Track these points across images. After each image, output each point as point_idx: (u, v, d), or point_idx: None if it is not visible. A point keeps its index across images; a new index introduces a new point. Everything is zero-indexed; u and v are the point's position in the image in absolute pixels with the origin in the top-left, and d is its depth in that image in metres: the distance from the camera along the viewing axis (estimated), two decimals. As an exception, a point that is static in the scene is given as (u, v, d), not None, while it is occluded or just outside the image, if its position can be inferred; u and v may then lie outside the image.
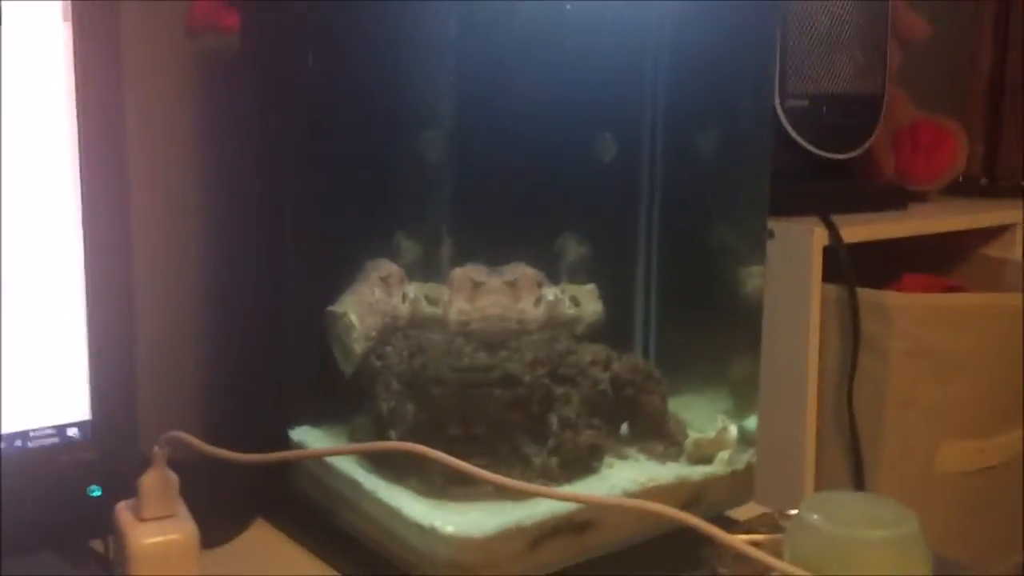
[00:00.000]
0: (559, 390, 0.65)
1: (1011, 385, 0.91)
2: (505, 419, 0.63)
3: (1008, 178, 1.24)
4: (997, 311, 0.88)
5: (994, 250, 1.04)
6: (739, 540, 0.47)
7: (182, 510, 0.49)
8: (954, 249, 1.05)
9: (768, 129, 0.74)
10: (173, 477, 0.49)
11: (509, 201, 0.67)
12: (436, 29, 0.58)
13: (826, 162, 0.98)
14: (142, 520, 0.48)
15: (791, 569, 0.40)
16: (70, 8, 0.53)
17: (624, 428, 0.70)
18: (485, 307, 0.62)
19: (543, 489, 0.55)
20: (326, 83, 0.67)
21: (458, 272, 0.62)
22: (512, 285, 0.68)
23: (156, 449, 0.48)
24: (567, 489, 0.62)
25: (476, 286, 0.62)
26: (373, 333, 0.66)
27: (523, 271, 0.68)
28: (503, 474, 0.61)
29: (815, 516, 0.40)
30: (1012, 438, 0.92)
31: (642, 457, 0.68)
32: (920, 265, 1.00)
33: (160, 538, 0.48)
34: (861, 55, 0.99)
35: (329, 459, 0.67)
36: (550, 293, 0.69)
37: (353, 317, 0.66)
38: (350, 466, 0.65)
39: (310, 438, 0.70)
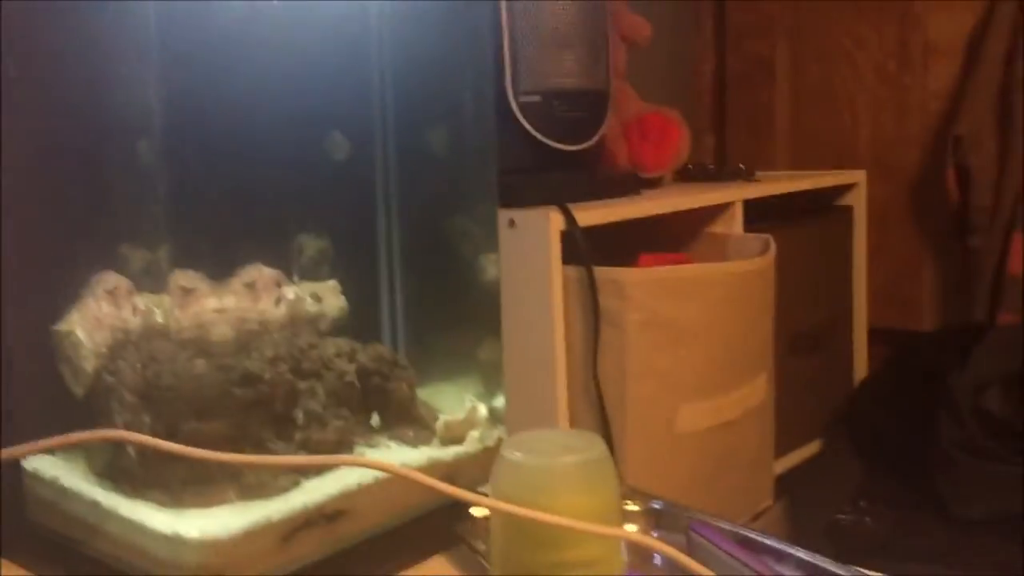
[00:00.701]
0: (303, 384, 0.65)
1: (739, 346, 0.99)
2: (247, 419, 0.62)
3: (732, 163, 1.36)
4: (720, 279, 0.96)
5: (719, 226, 1.14)
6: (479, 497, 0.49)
7: None
8: (684, 229, 1.14)
9: (491, 122, 0.77)
10: None
11: (241, 203, 0.67)
12: (140, 30, 0.57)
13: (564, 154, 1.04)
14: None
15: (497, 504, 0.42)
16: None
17: (375, 418, 0.72)
18: (200, 313, 0.62)
19: (279, 459, 0.55)
20: (32, 95, 0.64)
21: (170, 280, 0.61)
22: (251, 287, 0.68)
23: None
24: (317, 482, 0.63)
25: (187, 293, 0.61)
26: (103, 349, 0.64)
27: (260, 272, 0.68)
28: (249, 473, 0.61)
29: (515, 453, 0.43)
30: (744, 393, 1.01)
31: (393, 444, 0.70)
32: (655, 246, 1.08)
33: None
34: (586, 53, 1.05)
35: (66, 485, 0.64)
36: (290, 292, 0.69)
37: (81, 334, 0.64)
38: (88, 488, 0.63)
39: (44, 465, 0.66)
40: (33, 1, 0.63)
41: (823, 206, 1.39)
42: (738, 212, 1.13)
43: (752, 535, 0.58)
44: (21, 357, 0.66)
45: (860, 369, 1.41)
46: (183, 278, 0.61)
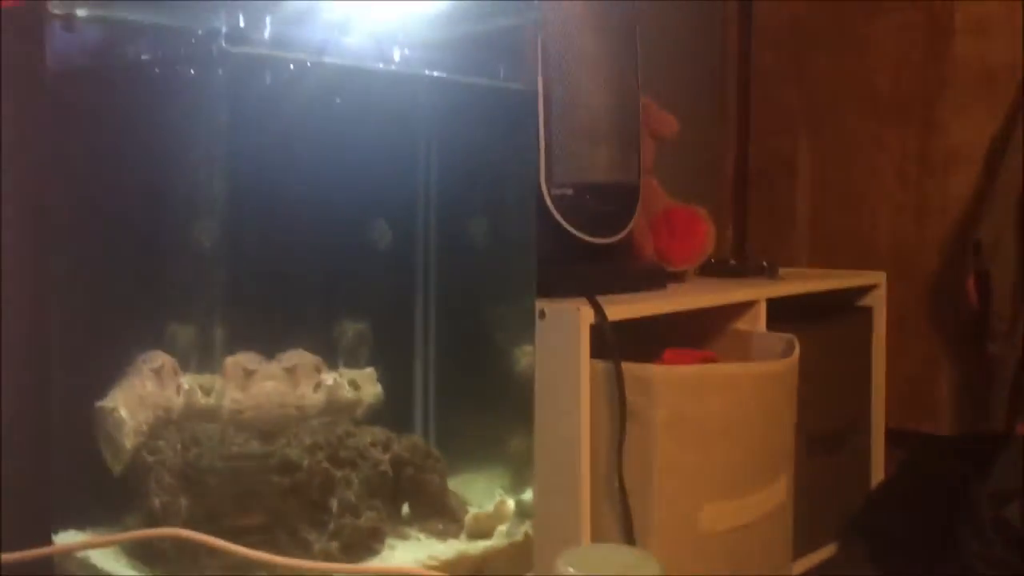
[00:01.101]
0: (339, 473, 0.66)
1: (761, 446, 0.99)
2: (284, 506, 0.63)
3: (754, 258, 1.37)
4: (744, 379, 0.96)
5: (743, 323, 1.14)
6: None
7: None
8: (709, 324, 1.14)
9: (531, 216, 0.79)
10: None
11: (285, 287, 0.68)
12: (204, 118, 0.59)
13: (593, 247, 1.05)
14: None
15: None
16: None
17: (405, 508, 0.72)
18: (258, 395, 0.62)
19: (318, 565, 0.55)
20: (93, 175, 0.66)
21: (229, 361, 0.62)
22: (291, 371, 0.68)
23: None
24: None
25: (248, 374, 0.62)
26: (144, 427, 0.65)
27: (301, 357, 0.69)
28: (283, 569, 0.61)
29: (569, 569, 0.43)
30: (765, 496, 1.00)
31: (423, 536, 0.70)
32: (680, 340, 1.08)
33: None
34: (618, 148, 1.07)
35: (98, 565, 0.64)
36: (329, 378, 0.70)
37: (123, 411, 0.65)
38: (121, 570, 0.63)
39: (76, 542, 0.66)
40: (90, 79, 0.65)
41: (843, 306, 1.40)
42: (762, 310, 1.14)
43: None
44: (63, 432, 0.67)
45: (877, 471, 1.40)
46: (245, 359, 0.62)
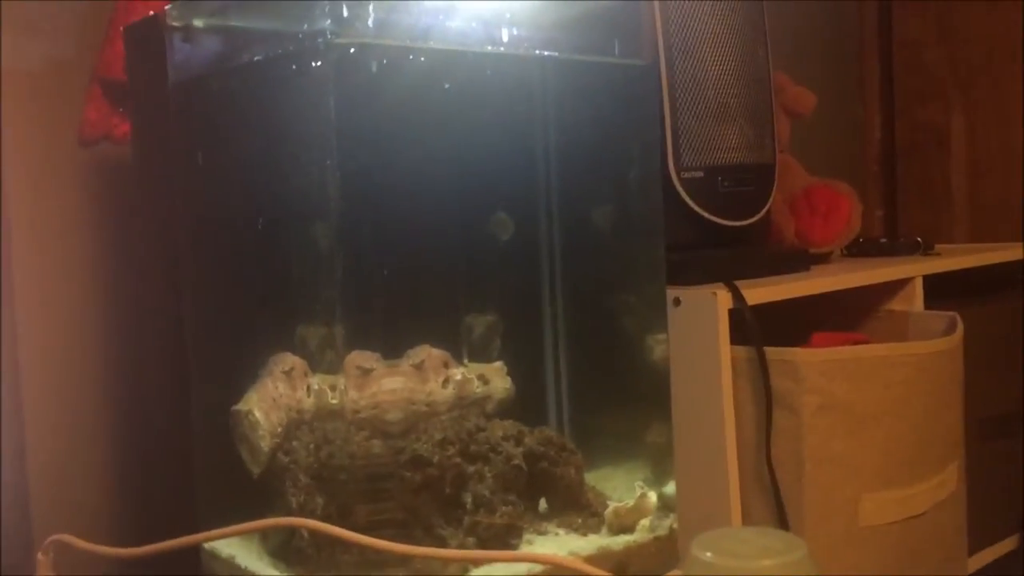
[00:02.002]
0: (471, 468, 0.64)
1: (926, 432, 0.92)
2: (416, 502, 0.62)
3: (906, 236, 1.29)
4: (901, 360, 0.90)
5: (898, 304, 1.07)
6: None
7: (72, 621, 0.47)
8: (859, 306, 1.08)
9: (658, 198, 0.76)
10: (60, 586, 0.47)
11: (409, 284, 0.68)
12: (318, 115, 0.59)
13: (728, 230, 1.00)
14: (27, 635, 0.45)
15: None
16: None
17: (542, 503, 0.70)
18: (377, 393, 0.62)
19: (454, 552, 0.54)
20: (216, 181, 0.67)
21: (347, 360, 0.61)
22: (419, 367, 0.68)
23: (40, 556, 0.46)
24: (486, 570, 0.61)
25: (365, 372, 0.61)
26: (279, 429, 0.66)
27: (429, 352, 0.68)
28: (419, 559, 0.60)
29: (707, 553, 0.40)
30: (934, 484, 0.93)
31: (561, 531, 0.68)
32: (829, 324, 1.02)
33: (46, 652, 0.45)
34: (750, 127, 1.02)
35: (242, 564, 0.65)
36: (457, 373, 0.69)
37: (258, 414, 0.65)
38: (263, 569, 0.63)
39: (221, 544, 0.68)
40: (208, 87, 0.66)
41: (1009, 281, 1.29)
42: (918, 288, 1.07)
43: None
44: (202, 436, 0.68)
45: (1060, 456, 1.29)
46: (360, 358, 0.62)
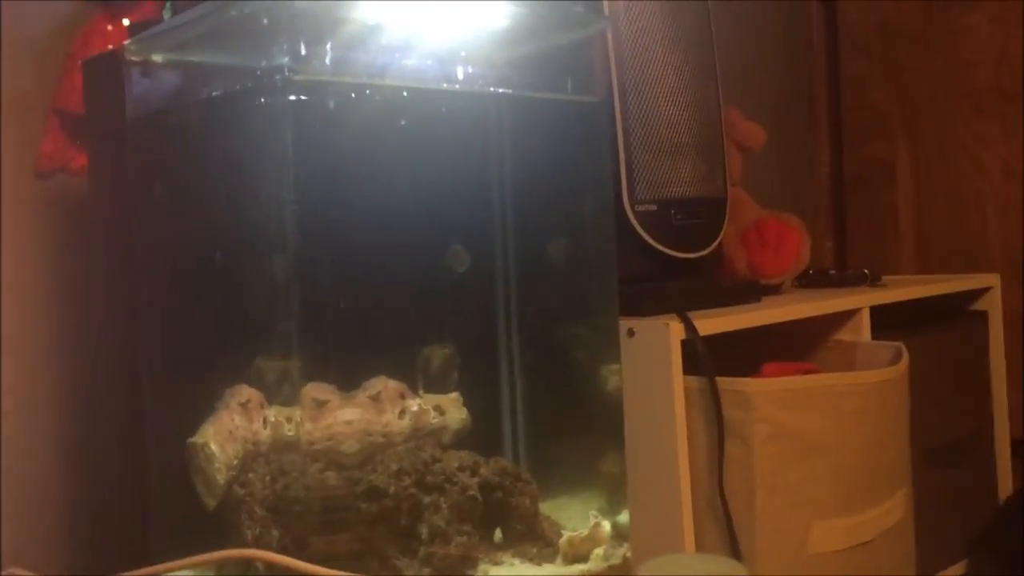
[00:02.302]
0: (427, 499, 0.65)
1: (874, 460, 0.94)
2: (372, 533, 0.62)
3: (855, 268, 1.32)
4: (849, 389, 0.92)
5: (846, 334, 1.10)
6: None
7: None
8: (809, 337, 1.10)
9: (611, 231, 0.78)
10: (11, 621, 0.46)
11: (366, 316, 0.68)
12: (275, 150, 0.60)
13: (681, 262, 1.02)
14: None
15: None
16: None
17: (497, 533, 0.70)
18: (333, 425, 0.62)
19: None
20: (174, 214, 0.68)
21: (303, 392, 0.62)
22: (375, 399, 0.68)
23: (-10, 592, 0.45)
24: (441, 600, 0.62)
25: (320, 404, 0.62)
26: (235, 461, 0.66)
27: (385, 384, 0.69)
28: (373, 590, 0.60)
29: (652, 583, 0.41)
30: (882, 511, 0.95)
31: (517, 561, 0.68)
32: (781, 355, 1.04)
33: None
34: (702, 162, 1.05)
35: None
36: (414, 404, 0.70)
37: (214, 447, 0.65)
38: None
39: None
40: (166, 121, 0.67)
41: (955, 312, 1.33)
42: (865, 319, 1.09)
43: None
44: (158, 468, 0.68)
45: (1005, 484, 1.32)
46: (316, 390, 0.62)
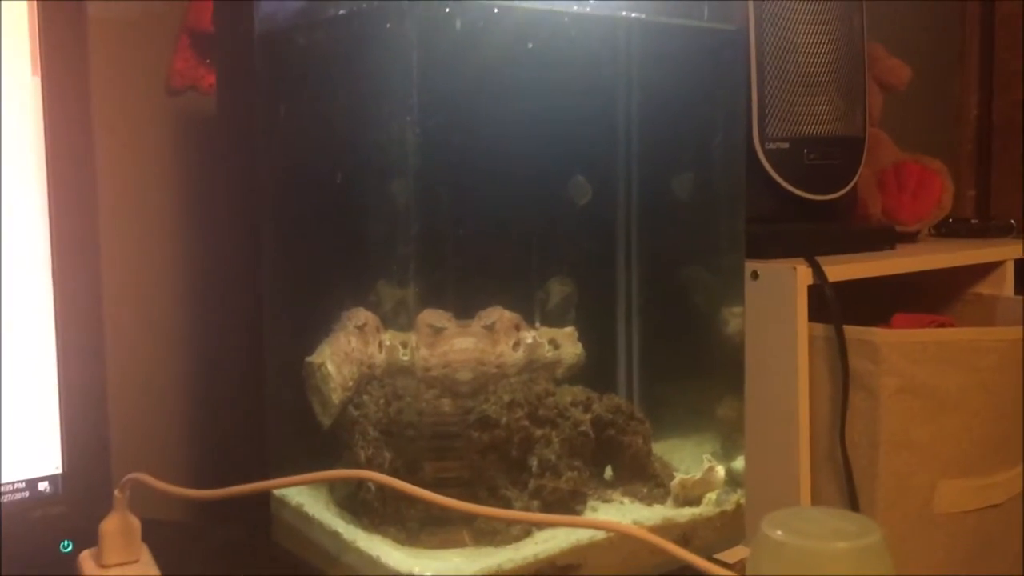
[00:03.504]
0: (538, 432, 0.64)
1: (1010, 421, 0.89)
2: (483, 462, 0.62)
3: (1000, 217, 1.24)
4: (988, 345, 0.86)
5: (986, 287, 1.03)
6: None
7: (146, 556, 0.48)
8: (946, 289, 1.04)
9: (741, 169, 0.74)
10: (135, 522, 0.48)
11: (484, 245, 0.67)
12: (401, 72, 0.59)
13: (812, 204, 0.98)
14: (103, 567, 0.47)
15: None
16: (39, 61, 0.54)
17: (608, 471, 0.69)
18: (448, 352, 0.62)
19: (518, 514, 0.54)
20: (298, 135, 0.68)
21: (419, 318, 0.61)
22: (490, 329, 0.68)
23: (116, 493, 0.47)
24: (548, 534, 0.61)
25: (437, 331, 0.61)
26: (350, 383, 0.66)
27: (501, 314, 0.68)
28: (482, 519, 0.60)
29: (778, 532, 0.39)
30: (1014, 475, 0.90)
31: (626, 500, 0.67)
32: (913, 306, 0.99)
33: (121, 585, 0.47)
34: (840, 98, 0.99)
35: (309, 512, 0.66)
36: (528, 336, 0.69)
37: (331, 367, 0.66)
38: (330, 518, 0.64)
39: (291, 491, 0.69)
40: (292, 41, 0.67)
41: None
42: (1009, 272, 1.03)
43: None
44: (276, 386, 0.69)
45: None
46: (431, 316, 0.62)
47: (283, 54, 0.67)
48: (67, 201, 0.57)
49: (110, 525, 0.47)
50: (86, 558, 0.48)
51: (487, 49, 0.63)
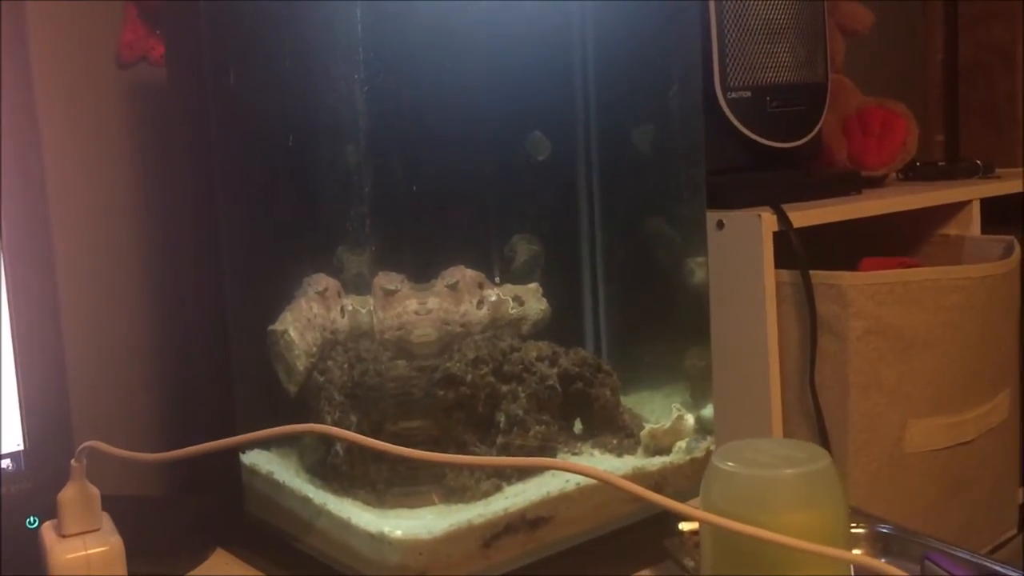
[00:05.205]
0: (504, 388, 0.64)
1: (977, 358, 0.90)
2: (449, 420, 0.62)
3: (966, 159, 1.24)
4: (953, 284, 0.87)
5: (953, 228, 1.04)
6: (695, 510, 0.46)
7: (107, 524, 0.48)
8: (914, 232, 1.05)
9: (699, 118, 0.74)
10: (94, 491, 0.48)
11: (442, 204, 0.67)
12: (346, 35, 0.58)
13: (777, 152, 0.98)
14: (64, 536, 0.47)
15: (713, 519, 0.39)
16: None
17: (578, 424, 0.70)
18: (402, 314, 0.61)
19: (484, 460, 0.54)
20: (248, 101, 0.67)
21: (373, 282, 0.61)
22: (453, 288, 0.67)
23: (73, 462, 0.47)
24: (519, 487, 0.62)
25: (389, 294, 0.61)
26: (314, 349, 0.66)
27: (463, 273, 0.68)
28: (451, 476, 0.60)
29: (728, 463, 0.39)
30: (985, 411, 0.91)
31: (597, 452, 0.68)
32: (882, 251, 0.99)
33: (81, 553, 0.47)
34: (801, 45, 0.99)
35: (280, 480, 0.66)
36: (492, 294, 0.69)
37: (293, 334, 0.66)
38: (300, 484, 0.64)
39: (261, 460, 0.69)
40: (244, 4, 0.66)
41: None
42: (975, 212, 1.03)
43: (998, 568, 0.51)
44: (240, 354, 0.69)
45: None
46: (385, 279, 0.61)
47: (230, 18, 0.65)
48: (15, 178, 0.56)
49: (68, 494, 0.47)
50: (47, 528, 0.48)
51: (437, 4, 0.62)
